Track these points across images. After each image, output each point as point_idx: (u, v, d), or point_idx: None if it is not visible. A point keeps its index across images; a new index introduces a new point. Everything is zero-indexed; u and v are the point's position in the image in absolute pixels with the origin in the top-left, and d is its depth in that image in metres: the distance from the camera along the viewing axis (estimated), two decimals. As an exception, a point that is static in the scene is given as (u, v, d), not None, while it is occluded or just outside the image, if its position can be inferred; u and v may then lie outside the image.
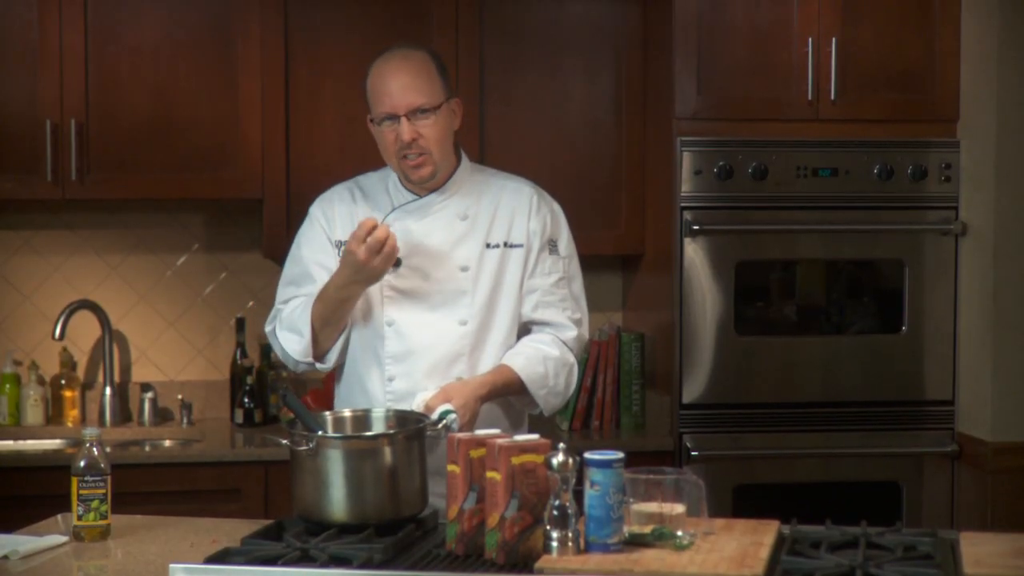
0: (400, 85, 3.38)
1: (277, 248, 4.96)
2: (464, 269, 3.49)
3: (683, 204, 4.80)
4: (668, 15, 4.85)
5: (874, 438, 4.90)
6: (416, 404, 3.33)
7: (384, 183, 3.60)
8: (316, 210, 3.64)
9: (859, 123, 4.88)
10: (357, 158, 4.91)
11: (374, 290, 3.47)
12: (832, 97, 4.84)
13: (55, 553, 3.04)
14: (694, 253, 4.80)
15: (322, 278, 3.48)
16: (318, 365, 3.54)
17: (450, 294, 3.48)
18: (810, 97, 4.84)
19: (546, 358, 3.51)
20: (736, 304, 4.85)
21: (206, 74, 4.93)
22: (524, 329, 3.59)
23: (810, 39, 4.82)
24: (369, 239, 3.25)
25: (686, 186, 4.80)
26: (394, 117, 3.39)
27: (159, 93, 4.91)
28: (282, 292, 3.61)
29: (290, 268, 3.62)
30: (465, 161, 3.58)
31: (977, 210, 4.81)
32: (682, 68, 4.81)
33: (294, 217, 4.91)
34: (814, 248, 4.91)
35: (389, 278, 3.46)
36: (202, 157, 4.92)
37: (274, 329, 3.57)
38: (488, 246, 3.52)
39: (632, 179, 5.14)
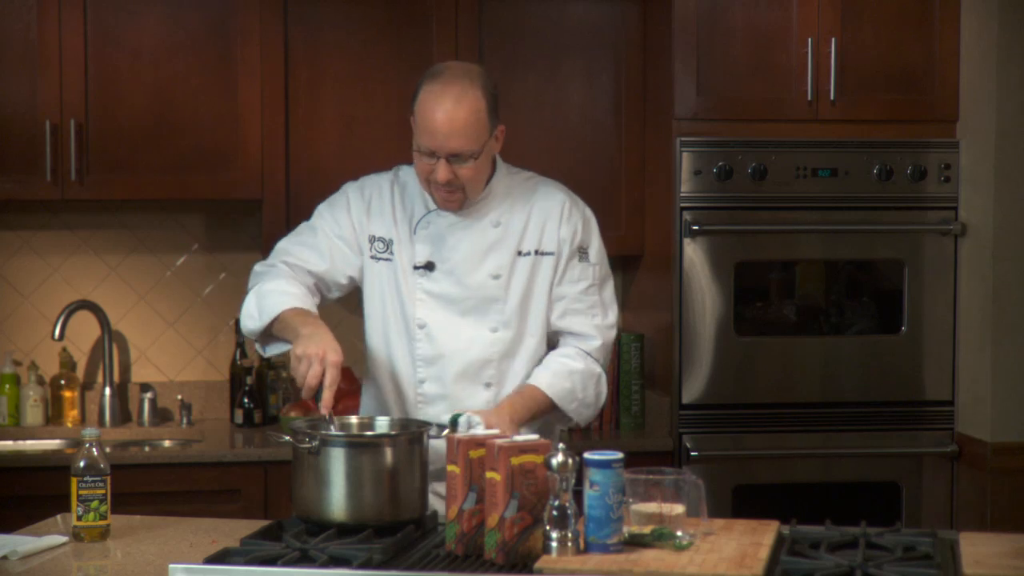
0: (447, 131, 3.28)
1: (277, 248, 4.96)
2: (496, 277, 3.46)
3: (683, 205, 4.81)
4: (667, 16, 4.85)
5: (873, 438, 4.90)
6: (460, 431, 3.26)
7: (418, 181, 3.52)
8: (354, 193, 3.57)
9: (858, 123, 4.89)
10: (357, 159, 4.94)
11: (406, 292, 3.46)
12: (831, 97, 4.84)
13: (54, 553, 3.04)
14: (693, 253, 4.80)
15: (335, 251, 3.49)
16: (257, 347, 3.52)
17: (481, 300, 3.46)
18: (809, 97, 4.84)
19: (571, 372, 3.48)
20: (736, 304, 4.85)
21: (205, 75, 4.93)
22: (552, 336, 3.56)
23: (809, 40, 4.82)
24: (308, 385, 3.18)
25: (686, 187, 4.80)
26: (434, 154, 3.32)
27: (158, 94, 4.91)
28: (285, 245, 3.57)
29: (303, 230, 3.60)
30: (500, 166, 3.52)
31: (976, 210, 4.82)
32: (681, 69, 4.81)
33: (293, 218, 4.91)
34: (814, 248, 4.91)
35: (422, 281, 3.46)
36: (201, 158, 4.92)
37: (259, 278, 3.51)
38: (520, 254, 3.48)
39: (632, 180, 5.14)
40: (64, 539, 3.11)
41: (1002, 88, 4.70)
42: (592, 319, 3.54)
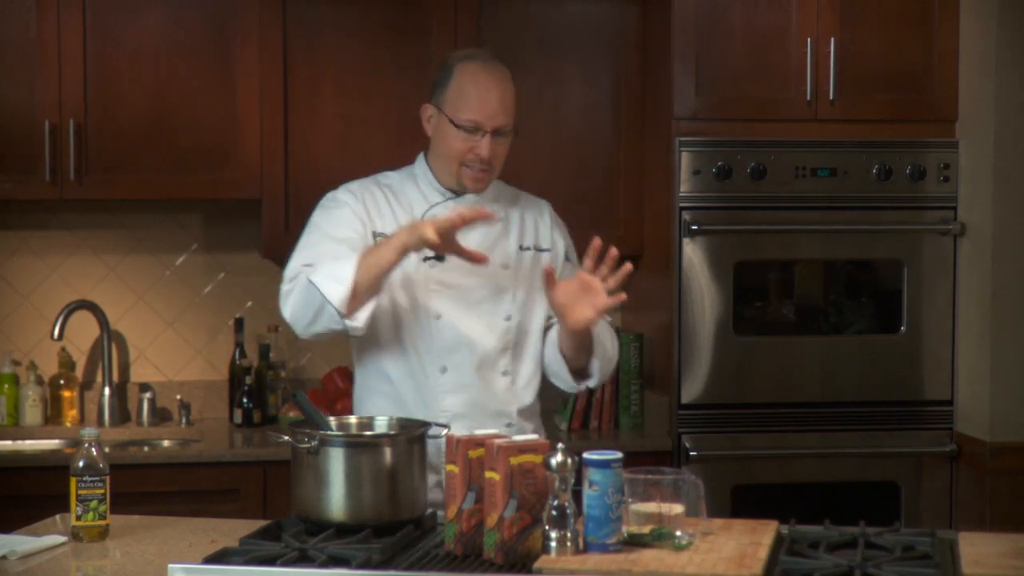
0: (499, 103, 3.46)
1: (275, 248, 4.96)
2: (505, 267, 3.55)
3: (682, 204, 4.80)
4: (666, 16, 4.85)
5: (873, 438, 4.90)
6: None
7: (412, 181, 3.61)
8: (346, 196, 3.56)
9: (858, 123, 4.89)
10: (356, 158, 4.94)
11: (420, 284, 3.48)
12: (831, 97, 4.84)
13: (53, 553, 3.04)
14: (693, 253, 4.80)
15: (347, 239, 3.43)
16: (348, 322, 3.31)
17: (493, 290, 3.54)
18: (809, 97, 4.84)
19: (605, 320, 3.54)
20: (735, 304, 4.85)
21: (204, 74, 4.93)
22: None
23: (808, 40, 4.82)
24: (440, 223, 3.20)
25: (685, 186, 4.80)
26: (479, 129, 3.45)
27: (157, 93, 4.91)
28: (300, 258, 3.43)
29: (312, 237, 3.48)
30: None
31: (975, 210, 4.82)
32: (681, 69, 4.81)
33: (293, 217, 4.91)
34: (813, 248, 4.91)
35: (434, 272, 3.49)
36: (200, 157, 4.92)
37: (292, 289, 3.38)
38: (521, 248, 3.60)
39: (631, 179, 5.14)
40: (63, 539, 3.11)
41: (1001, 88, 4.70)
42: None
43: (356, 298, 3.29)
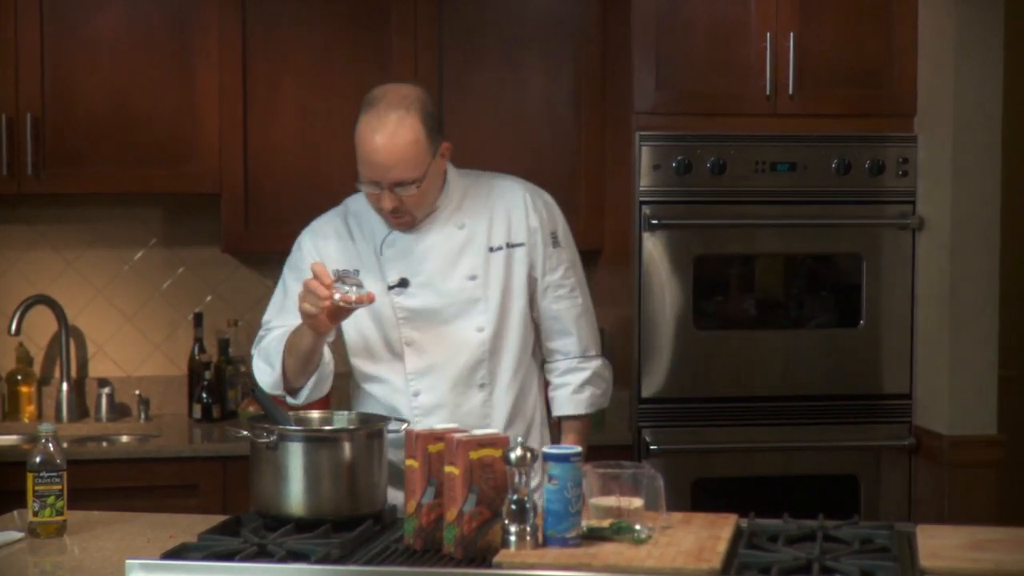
0: (387, 163, 3.26)
1: (235, 243, 4.95)
2: (472, 277, 3.46)
3: (642, 199, 4.81)
4: (627, 10, 4.85)
5: (832, 432, 4.92)
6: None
7: None
8: (307, 242, 3.54)
9: (817, 118, 4.90)
10: (315, 152, 4.93)
11: (384, 315, 3.44)
12: (790, 92, 4.86)
13: (11, 549, 3.02)
14: (653, 248, 4.81)
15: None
16: (289, 399, 3.47)
17: (463, 304, 3.46)
18: (768, 92, 4.85)
19: (583, 384, 3.62)
20: (695, 298, 4.86)
21: (164, 68, 4.90)
22: (541, 323, 3.61)
23: (768, 34, 4.83)
24: (306, 291, 3.16)
25: (645, 181, 4.80)
26: (377, 184, 3.31)
27: (116, 87, 4.88)
28: (267, 317, 3.54)
29: (277, 296, 3.56)
30: (451, 173, 3.50)
31: (934, 204, 4.84)
32: (641, 63, 4.82)
33: (252, 212, 4.90)
34: (773, 242, 4.93)
35: (399, 300, 3.44)
36: (160, 151, 4.90)
37: (255, 355, 3.53)
38: (491, 250, 3.48)
39: (591, 173, 5.14)
40: (20, 535, 3.10)
41: (960, 82, 4.72)
42: (575, 301, 3.62)
43: (290, 380, 3.40)
